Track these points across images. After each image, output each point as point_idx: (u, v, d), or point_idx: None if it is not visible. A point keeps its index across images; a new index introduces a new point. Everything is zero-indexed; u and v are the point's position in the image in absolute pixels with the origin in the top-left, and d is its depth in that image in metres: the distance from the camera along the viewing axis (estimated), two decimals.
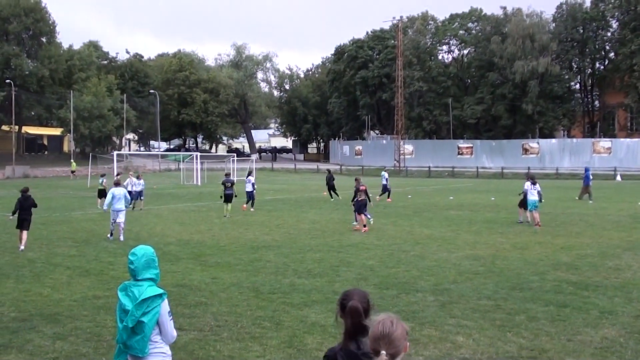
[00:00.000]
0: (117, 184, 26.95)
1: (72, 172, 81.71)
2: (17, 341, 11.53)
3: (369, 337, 4.46)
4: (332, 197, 45.53)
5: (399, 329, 4.39)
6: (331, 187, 46.34)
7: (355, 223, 29.26)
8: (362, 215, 28.36)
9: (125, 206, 25.69)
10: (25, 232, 22.50)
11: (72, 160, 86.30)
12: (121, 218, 25.17)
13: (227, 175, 38.45)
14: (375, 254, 21.20)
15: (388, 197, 45.20)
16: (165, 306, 6.54)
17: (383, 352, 4.30)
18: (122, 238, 24.90)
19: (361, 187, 29.20)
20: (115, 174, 37.85)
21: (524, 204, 30.65)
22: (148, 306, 6.37)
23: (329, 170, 51.27)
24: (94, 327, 12.28)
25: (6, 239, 24.96)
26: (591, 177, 46.44)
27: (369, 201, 30.15)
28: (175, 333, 6.71)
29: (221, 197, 35.29)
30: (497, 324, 12.49)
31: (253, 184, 39.06)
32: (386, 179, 45.75)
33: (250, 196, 38.37)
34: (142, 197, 38.83)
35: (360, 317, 5.02)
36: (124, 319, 6.42)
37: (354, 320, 5.04)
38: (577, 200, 44.35)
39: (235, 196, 35.15)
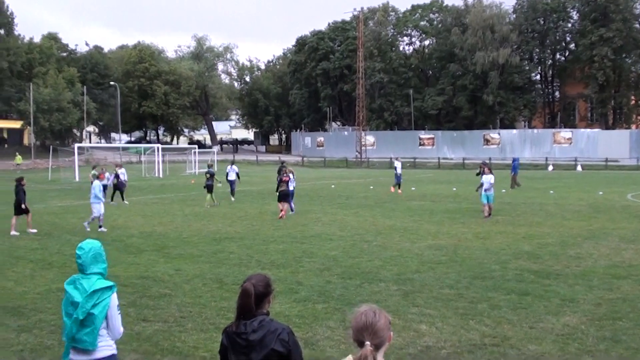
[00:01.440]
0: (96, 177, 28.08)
1: (17, 165, 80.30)
2: None
3: (352, 328, 4.45)
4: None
5: (382, 319, 4.40)
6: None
7: (291, 213, 30.74)
8: (286, 204, 29.93)
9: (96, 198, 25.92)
10: (15, 217, 24.88)
11: (17, 154, 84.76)
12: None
13: (209, 166, 39.00)
14: (338, 245, 21.27)
15: (399, 189, 43.92)
16: (114, 299, 6.44)
17: (367, 342, 4.29)
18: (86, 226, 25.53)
19: (284, 178, 30.63)
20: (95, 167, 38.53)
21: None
22: (98, 298, 6.29)
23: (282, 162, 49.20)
24: (58, 319, 12.12)
25: None
26: (519, 166, 48.72)
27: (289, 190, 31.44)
28: (122, 329, 6.57)
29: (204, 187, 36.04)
30: (460, 312, 12.61)
31: (237, 173, 40.10)
32: (400, 169, 45.15)
33: (233, 185, 39.53)
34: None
35: (248, 298, 5.12)
36: (71, 312, 6.33)
37: (242, 300, 5.17)
38: (511, 190, 44.76)
39: (220, 183, 36.48)
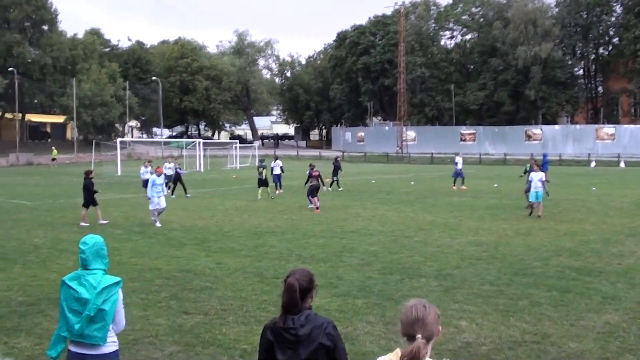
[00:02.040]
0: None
1: (53, 159, 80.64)
2: (26, 325, 11.71)
3: (402, 322, 4.48)
4: (335, 187, 42.27)
5: (432, 313, 4.46)
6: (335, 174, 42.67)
7: (310, 206, 31.30)
8: (316, 198, 30.72)
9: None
10: (86, 209, 25.75)
11: (53, 148, 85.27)
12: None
13: (261, 160, 40.16)
14: (378, 240, 21.28)
15: (462, 184, 42.70)
16: (121, 294, 6.56)
17: (419, 335, 4.33)
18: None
19: (314, 173, 31.50)
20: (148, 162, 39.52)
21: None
22: (108, 294, 6.38)
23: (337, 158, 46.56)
24: None
25: (12, 225, 25.14)
26: (549, 162, 46.98)
27: (323, 185, 32.67)
28: (124, 322, 6.74)
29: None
30: (500, 309, 12.58)
31: (281, 167, 40.81)
32: (461, 164, 43.82)
33: (277, 179, 40.27)
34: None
35: (294, 293, 5.13)
36: (77, 308, 6.38)
37: (288, 296, 5.16)
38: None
39: (266, 179, 36.99)
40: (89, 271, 6.48)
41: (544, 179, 28.10)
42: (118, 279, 6.58)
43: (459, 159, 44.38)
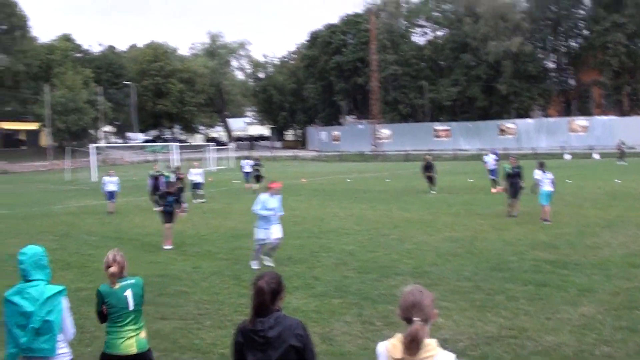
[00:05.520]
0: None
1: None
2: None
3: (401, 307, 4.71)
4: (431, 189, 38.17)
5: (427, 297, 4.74)
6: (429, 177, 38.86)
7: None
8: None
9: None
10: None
11: None
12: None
13: (256, 159, 44.66)
14: (354, 239, 21.32)
15: (493, 186, 37.46)
16: (66, 302, 6.48)
17: (416, 318, 4.58)
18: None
19: (180, 176, 32.63)
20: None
21: (514, 193, 26.27)
22: (52, 304, 6.30)
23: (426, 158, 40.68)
24: (78, 319, 12.11)
25: None
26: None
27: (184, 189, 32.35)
28: (74, 330, 6.65)
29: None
30: (477, 304, 12.64)
31: (252, 166, 43.74)
32: (493, 164, 38.71)
33: (247, 176, 43.78)
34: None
35: (263, 296, 5.25)
36: (22, 323, 6.25)
37: (258, 299, 5.29)
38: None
39: (263, 177, 40.88)
40: (30, 283, 6.38)
41: (550, 177, 24.72)
42: (61, 287, 6.48)
43: (487, 158, 39.66)
